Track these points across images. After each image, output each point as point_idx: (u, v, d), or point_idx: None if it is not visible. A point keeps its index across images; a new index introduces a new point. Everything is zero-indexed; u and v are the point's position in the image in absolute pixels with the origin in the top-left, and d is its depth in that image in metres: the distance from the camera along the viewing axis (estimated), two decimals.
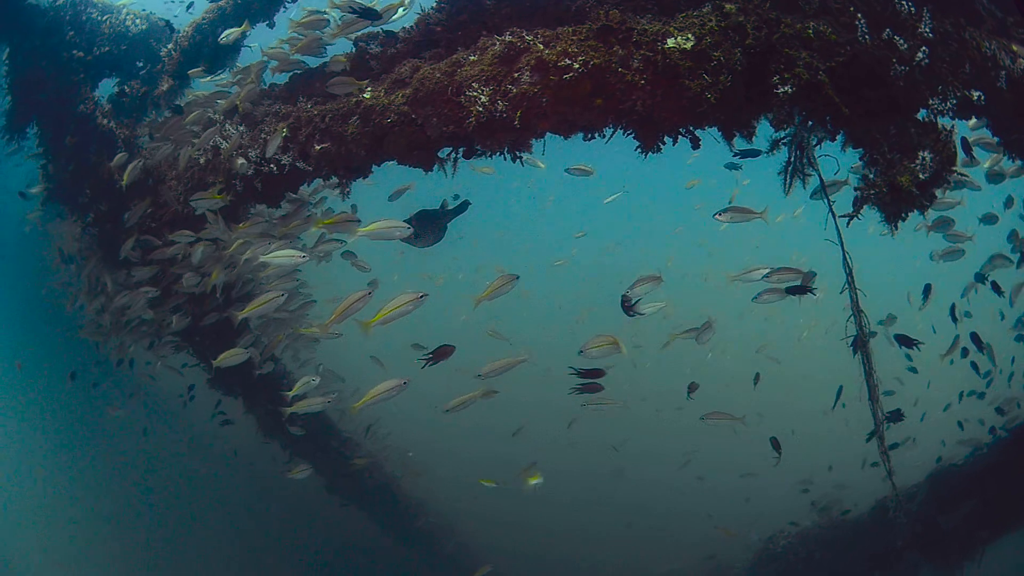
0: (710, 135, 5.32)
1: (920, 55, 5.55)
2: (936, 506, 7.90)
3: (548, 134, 5.02)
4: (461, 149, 5.19)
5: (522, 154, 5.02)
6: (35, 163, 8.19)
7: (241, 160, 6.00)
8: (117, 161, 7.06)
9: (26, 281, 10.69)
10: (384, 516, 10.82)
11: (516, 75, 4.81)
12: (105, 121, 7.54)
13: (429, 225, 6.19)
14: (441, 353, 5.52)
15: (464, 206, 6.53)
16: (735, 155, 5.49)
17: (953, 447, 8.87)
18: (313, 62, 6.81)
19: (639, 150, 5.06)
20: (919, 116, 5.79)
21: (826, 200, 5.91)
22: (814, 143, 5.75)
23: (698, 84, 4.90)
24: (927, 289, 8.12)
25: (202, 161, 6.61)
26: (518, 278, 5.21)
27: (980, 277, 8.14)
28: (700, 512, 12.86)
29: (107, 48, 7.95)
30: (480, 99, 4.75)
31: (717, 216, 6.45)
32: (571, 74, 4.71)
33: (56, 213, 8.30)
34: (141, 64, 8.10)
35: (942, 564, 8.37)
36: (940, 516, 7.95)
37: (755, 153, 5.62)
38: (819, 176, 5.88)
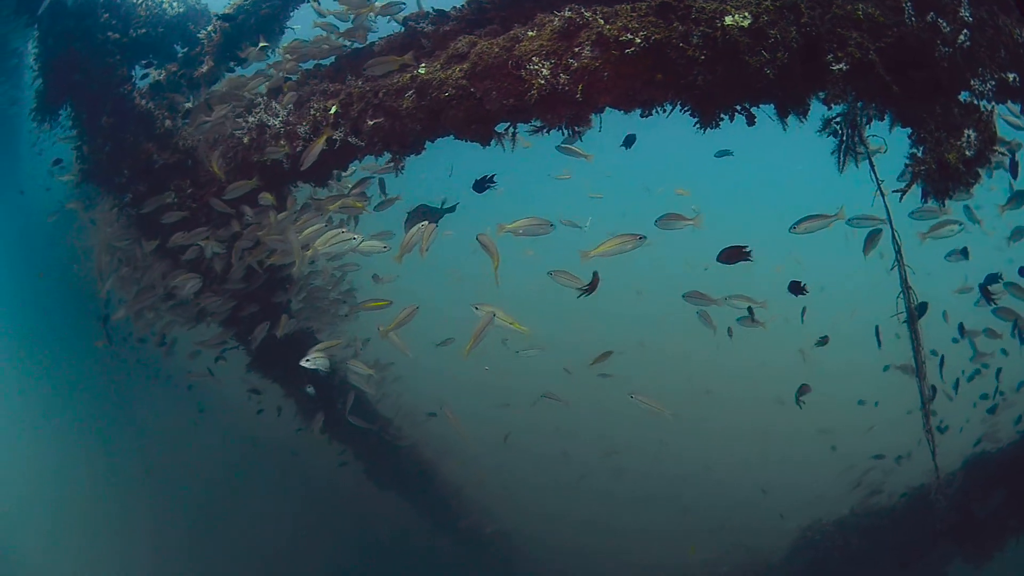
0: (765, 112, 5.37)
1: (962, 37, 5.64)
2: (971, 494, 7.91)
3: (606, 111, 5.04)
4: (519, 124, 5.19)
5: (581, 129, 5.03)
6: (68, 145, 8.17)
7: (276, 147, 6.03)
8: (165, 126, 7.07)
9: (57, 269, 10.65)
10: (422, 502, 10.81)
11: (577, 50, 4.83)
12: (143, 102, 7.52)
13: (425, 218, 6.67)
14: (593, 284, 5.62)
15: (453, 207, 6.96)
16: (832, 153, 5.56)
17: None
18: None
19: (697, 126, 5.08)
20: (961, 97, 5.89)
21: (874, 177, 5.95)
22: (865, 122, 5.80)
23: (757, 60, 4.94)
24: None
25: (246, 140, 6.60)
26: (644, 239, 5.23)
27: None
28: (735, 503, 12.93)
29: (143, 30, 7.94)
30: (542, 72, 4.77)
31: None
32: (633, 48, 4.73)
33: (89, 195, 8.26)
34: (179, 47, 8.09)
35: (974, 553, 8.37)
36: (974, 504, 7.96)
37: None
38: (868, 156, 5.92)
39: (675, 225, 6.22)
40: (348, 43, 6.88)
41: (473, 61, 5.10)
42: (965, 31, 5.58)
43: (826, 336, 7.60)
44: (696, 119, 5.09)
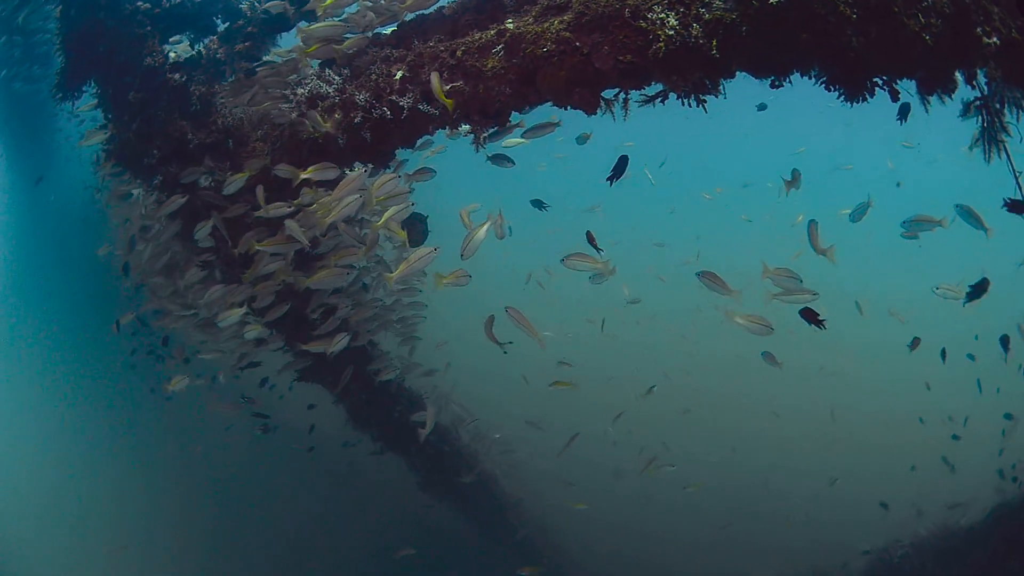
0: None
1: None
2: None
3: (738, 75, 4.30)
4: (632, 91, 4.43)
5: (707, 97, 4.28)
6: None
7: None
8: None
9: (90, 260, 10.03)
10: (470, 506, 10.02)
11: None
12: (177, 76, 6.80)
13: (415, 224, 6.64)
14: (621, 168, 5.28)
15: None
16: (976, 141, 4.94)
17: None
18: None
19: (842, 98, 4.35)
20: None
21: (1011, 168, 5.26)
22: (1007, 108, 5.13)
23: (915, 23, 4.23)
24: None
25: (294, 116, 5.85)
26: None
27: None
28: (803, 519, 12.11)
29: (177, 0, 7.28)
30: (669, 22, 4.04)
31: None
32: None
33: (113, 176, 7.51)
34: (219, 20, 7.42)
35: None
36: None
37: None
38: (1006, 148, 5.23)
39: (579, 266, 5.54)
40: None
41: (577, 11, 4.37)
42: None
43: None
44: (839, 90, 4.35)
